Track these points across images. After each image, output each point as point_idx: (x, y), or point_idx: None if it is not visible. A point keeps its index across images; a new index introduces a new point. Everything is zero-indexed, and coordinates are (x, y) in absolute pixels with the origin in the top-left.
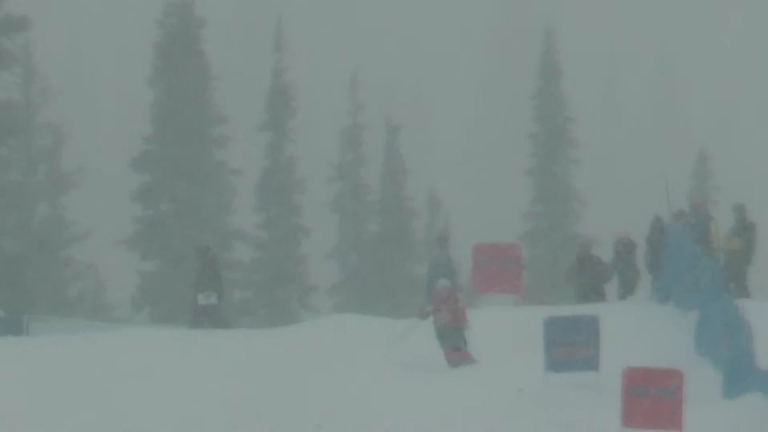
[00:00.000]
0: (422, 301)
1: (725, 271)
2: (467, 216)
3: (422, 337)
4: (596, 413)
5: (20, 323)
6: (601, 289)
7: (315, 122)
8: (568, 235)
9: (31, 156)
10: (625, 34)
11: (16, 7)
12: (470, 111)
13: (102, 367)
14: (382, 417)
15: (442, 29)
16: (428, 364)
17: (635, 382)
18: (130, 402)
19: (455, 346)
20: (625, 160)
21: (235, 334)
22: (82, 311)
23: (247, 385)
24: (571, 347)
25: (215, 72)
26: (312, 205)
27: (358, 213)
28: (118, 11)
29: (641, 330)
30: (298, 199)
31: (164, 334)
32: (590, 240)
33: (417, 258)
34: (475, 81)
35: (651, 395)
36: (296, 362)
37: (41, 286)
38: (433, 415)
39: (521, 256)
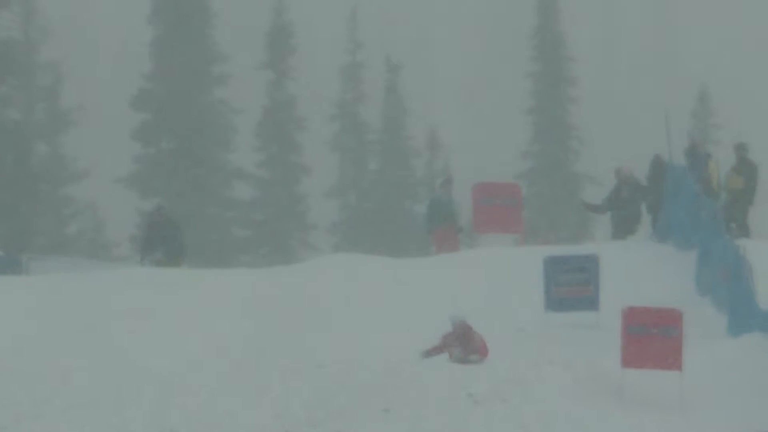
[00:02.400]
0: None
1: (726, 211)
2: (467, 155)
3: (423, 277)
4: (596, 353)
5: (19, 262)
6: (639, 213)
7: (315, 61)
8: (567, 174)
9: (31, 94)
10: None
11: None
12: (470, 50)
13: (101, 305)
14: (383, 356)
15: None
16: (430, 301)
17: (635, 321)
18: (130, 340)
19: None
20: (625, 98)
21: (228, 274)
22: (81, 250)
23: (248, 325)
24: (571, 287)
25: (215, 9)
26: (312, 144)
27: (358, 152)
28: None
29: (641, 270)
30: (298, 137)
31: (164, 274)
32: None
33: (417, 197)
34: (476, 20)
35: (651, 335)
36: (297, 302)
37: (40, 225)
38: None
39: (521, 196)
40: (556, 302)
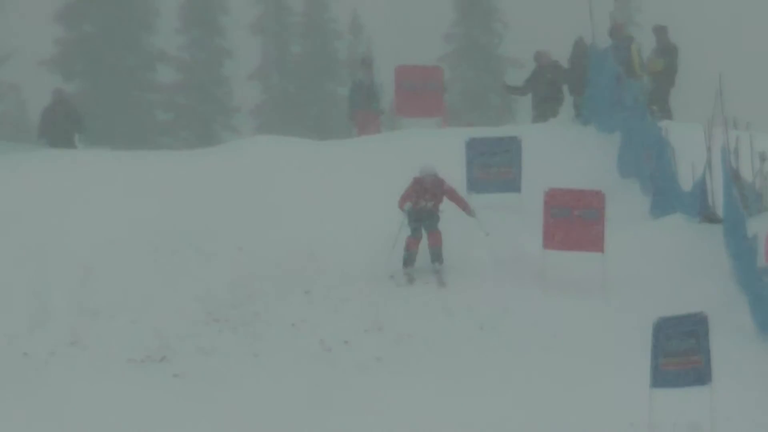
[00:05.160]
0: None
1: (648, 93)
2: (390, 37)
3: (344, 159)
4: (518, 235)
5: None
6: (560, 95)
7: None
8: (490, 57)
9: None
10: None
11: None
12: None
13: (20, 188)
14: (304, 238)
15: None
16: (351, 183)
17: (557, 203)
18: (50, 223)
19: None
20: None
21: (150, 157)
22: (4, 133)
23: (169, 207)
24: (492, 168)
25: None
26: (235, 27)
27: (281, 34)
28: None
29: (564, 152)
30: (220, 20)
31: (85, 156)
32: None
33: (339, 79)
34: None
35: (573, 217)
36: (218, 185)
37: None
38: (350, 231)
39: (443, 79)
40: (477, 184)
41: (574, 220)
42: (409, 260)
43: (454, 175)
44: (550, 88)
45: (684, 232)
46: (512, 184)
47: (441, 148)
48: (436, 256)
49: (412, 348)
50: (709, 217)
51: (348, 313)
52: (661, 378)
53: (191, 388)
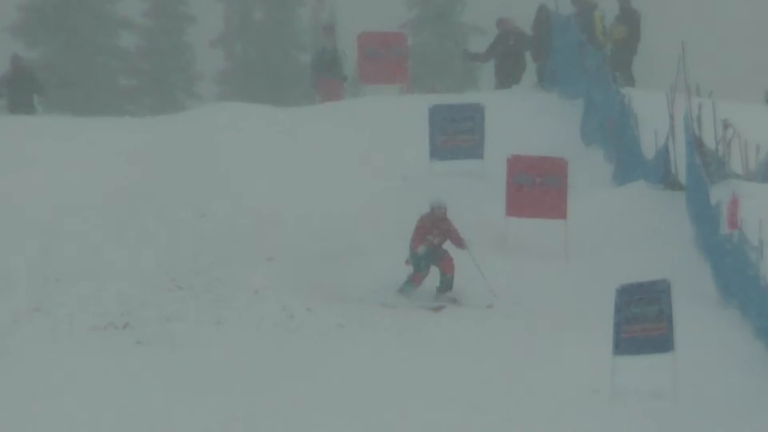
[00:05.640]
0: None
1: (611, 60)
2: (352, 4)
3: (307, 126)
4: (481, 202)
5: None
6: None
7: None
8: (453, 24)
9: None
10: None
11: None
12: None
13: None
14: (267, 204)
15: None
16: (314, 150)
17: (519, 170)
18: (12, 188)
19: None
20: None
21: (113, 123)
22: None
23: (132, 174)
24: (455, 135)
25: None
26: None
27: (244, 1)
28: None
29: (526, 119)
30: None
31: (47, 122)
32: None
33: (302, 46)
34: None
35: (535, 184)
36: (181, 151)
37: None
38: (313, 198)
39: (406, 45)
40: (440, 151)
41: (536, 187)
42: (407, 292)
43: (417, 143)
44: (512, 55)
45: (647, 200)
46: (475, 151)
47: (404, 115)
48: (447, 284)
49: (373, 315)
50: (672, 185)
51: (311, 281)
52: (623, 345)
53: (154, 355)
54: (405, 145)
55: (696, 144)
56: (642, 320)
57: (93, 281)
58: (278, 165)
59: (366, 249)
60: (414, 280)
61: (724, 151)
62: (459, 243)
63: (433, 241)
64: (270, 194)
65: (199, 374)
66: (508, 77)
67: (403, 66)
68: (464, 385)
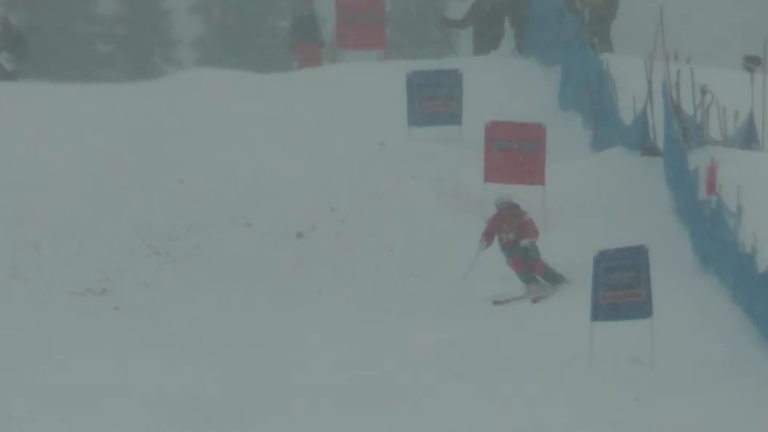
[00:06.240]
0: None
1: (589, 26)
2: None
3: (285, 92)
4: (459, 168)
5: None
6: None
7: None
8: None
9: None
10: None
11: None
12: None
13: None
14: (245, 172)
15: None
16: (293, 117)
17: (498, 136)
18: None
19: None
20: None
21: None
22: None
23: (110, 139)
24: (433, 101)
25: None
26: None
27: None
28: None
29: (505, 85)
30: None
31: (25, 88)
32: None
33: (281, 12)
34: None
35: (513, 150)
36: (159, 117)
37: None
38: (291, 163)
39: (385, 10)
40: (418, 117)
41: (514, 153)
42: (528, 278)
43: (396, 109)
44: (490, 20)
45: (625, 165)
46: (453, 117)
47: (382, 81)
48: (554, 278)
49: (352, 281)
50: (650, 150)
51: (288, 247)
52: (601, 311)
53: (131, 321)
54: (383, 111)
55: (674, 110)
56: (620, 286)
57: (71, 247)
58: (256, 131)
59: (345, 215)
60: (519, 267)
61: (702, 116)
62: (533, 234)
63: (508, 237)
64: (248, 160)
65: (177, 339)
66: (486, 43)
67: (381, 31)
68: (441, 350)
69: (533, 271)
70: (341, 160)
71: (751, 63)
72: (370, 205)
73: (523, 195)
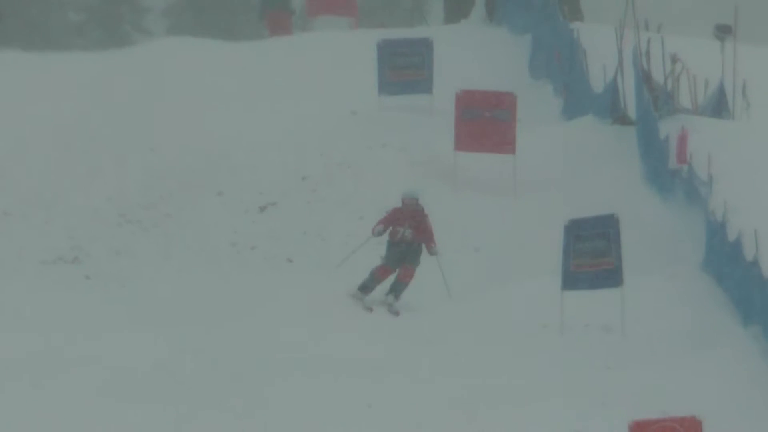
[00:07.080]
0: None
1: None
2: None
3: (256, 61)
4: (430, 136)
5: None
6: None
7: None
8: None
9: None
10: None
11: None
12: None
13: None
14: (216, 140)
15: None
16: (264, 85)
17: (468, 105)
18: None
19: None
20: None
21: (62, 58)
22: None
23: (80, 108)
24: (404, 70)
25: None
26: None
27: None
28: None
29: (475, 53)
30: None
31: None
32: None
33: None
34: None
35: (484, 118)
36: (129, 86)
37: None
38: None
39: None
40: (389, 86)
41: (485, 122)
42: (367, 287)
43: (366, 77)
44: None
45: (596, 134)
46: (424, 86)
47: (353, 50)
48: (397, 290)
49: (321, 247)
50: (621, 119)
51: (259, 215)
52: (572, 280)
53: (103, 289)
54: (354, 80)
55: (645, 78)
56: (590, 255)
57: (42, 216)
58: (227, 99)
59: (316, 182)
60: (377, 273)
61: (672, 85)
62: (429, 245)
63: (405, 234)
64: (219, 129)
65: (149, 308)
66: (457, 12)
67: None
68: (411, 320)
69: (404, 280)
70: (312, 128)
71: (721, 32)
72: (341, 173)
73: (493, 163)
